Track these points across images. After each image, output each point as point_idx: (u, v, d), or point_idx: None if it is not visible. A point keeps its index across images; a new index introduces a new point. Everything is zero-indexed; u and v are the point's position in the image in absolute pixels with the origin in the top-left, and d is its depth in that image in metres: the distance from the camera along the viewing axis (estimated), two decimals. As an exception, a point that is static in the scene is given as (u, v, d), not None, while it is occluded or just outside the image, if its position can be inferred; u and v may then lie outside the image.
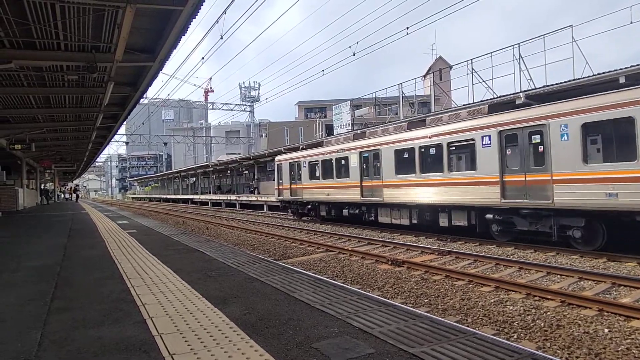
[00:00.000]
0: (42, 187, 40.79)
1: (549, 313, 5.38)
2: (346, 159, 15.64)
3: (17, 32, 8.49)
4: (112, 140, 32.88)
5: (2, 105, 14.66)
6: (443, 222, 11.92)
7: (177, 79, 58.90)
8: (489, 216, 10.68)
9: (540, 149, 9.53)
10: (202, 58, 18.70)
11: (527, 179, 9.75)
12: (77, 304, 3.56)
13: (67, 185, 65.80)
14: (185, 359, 2.35)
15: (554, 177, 9.16)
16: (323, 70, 23.68)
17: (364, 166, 14.86)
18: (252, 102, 59.86)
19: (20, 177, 26.47)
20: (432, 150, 12.35)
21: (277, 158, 21.52)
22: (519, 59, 16.05)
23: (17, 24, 8.10)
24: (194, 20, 8.16)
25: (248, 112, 60.42)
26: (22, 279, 4.68)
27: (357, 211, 15.44)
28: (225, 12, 14.15)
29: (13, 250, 7.10)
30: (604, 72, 11.38)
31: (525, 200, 9.73)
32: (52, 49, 9.61)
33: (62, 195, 56.29)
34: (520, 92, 13.58)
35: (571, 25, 14.45)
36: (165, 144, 60.81)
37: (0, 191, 18.92)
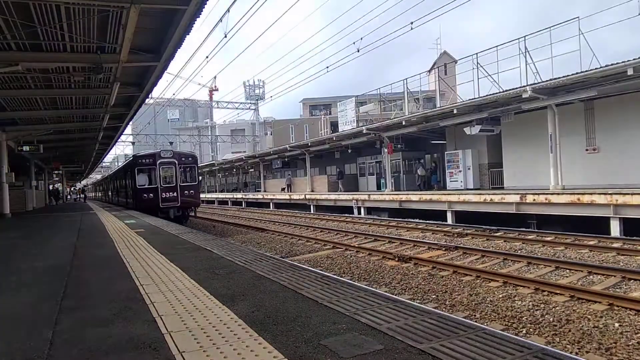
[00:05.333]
0: (51, 187, 41.13)
1: (558, 308, 5.35)
2: None
3: (23, 34, 8.56)
4: (119, 140, 33.14)
5: (10, 107, 14.80)
6: None
7: (182, 78, 58.85)
8: None
9: None
10: (207, 57, 18.75)
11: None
12: (87, 303, 3.60)
13: (75, 186, 66.39)
14: (195, 357, 2.36)
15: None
16: (327, 67, 23.55)
17: None
18: (257, 100, 59.69)
19: (29, 179, 26.72)
20: None
21: None
22: (525, 52, 15.86)
23: (23, 27, 8.16)
24: (198, 19, 8.18)
25: (253, 111, 60.27)
26: (33, 278, 4.74)
27: None
28: (228, 10, 14.14)
29: (24, 250, 7.18)
30: (611, 64, 11.23)
31: None
32: (58, 51, 9.68)
33: (70, 196, 56.82)
34: (527, 85, 13.46)
35: (578, 17, 14.24)
36: (171, 143, 60.81)
37: (10, 192, 19.08)
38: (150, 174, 17.71)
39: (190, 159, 19.12)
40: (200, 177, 23.35)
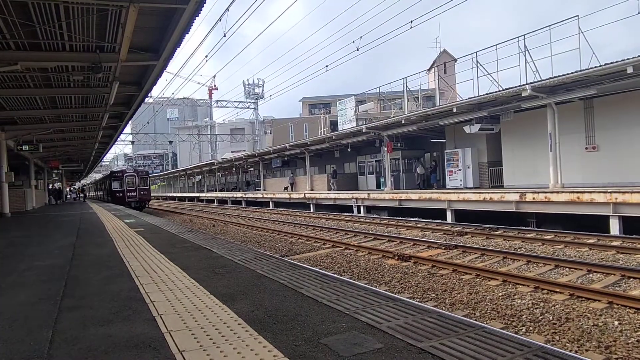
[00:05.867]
0: (51, 187, 41.07)
1: (557, 306, 5.35)
2: None
3: (22, 33, 8.55)
4: (118, 139, 33.17)
5: (9, 107, 14.78)
6: None
7: (182, 77, 58.98)
8: None
9: None
10: (206, 56, 18.76)
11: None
12: (87, 302, 3.60)
13: (74, 185, 66.40)
14: (195, 356, 2.36)
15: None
16: (327, 66, 23.59)
17: None
18: (256, 99, 59.69)
19: (29, 178, 26.71)
20: None
21: None
22: (525, 51, 15.86)
23: (22, 26, 8.15)
24: (197, 18, 8.16)
25: (252, 110, 60.31)
26: (32, 278, 4.73)
27: None
28: (228, 9, 14.13)
29: (23, 250, 7.18)
30: (611, 63, 11.23)
31: None
32: (57, 50, 9.66)
33: (70, 195, 56.80)
34: (526, 84, 13.46)
35: (577, 15, 14.24)
36: (171, 142, 61.00)
37: (10, 192, 19.08)
38: (121, 181, 30.58)
39: (144, 173, 33.21)
40: (150, 184, 36.12)
